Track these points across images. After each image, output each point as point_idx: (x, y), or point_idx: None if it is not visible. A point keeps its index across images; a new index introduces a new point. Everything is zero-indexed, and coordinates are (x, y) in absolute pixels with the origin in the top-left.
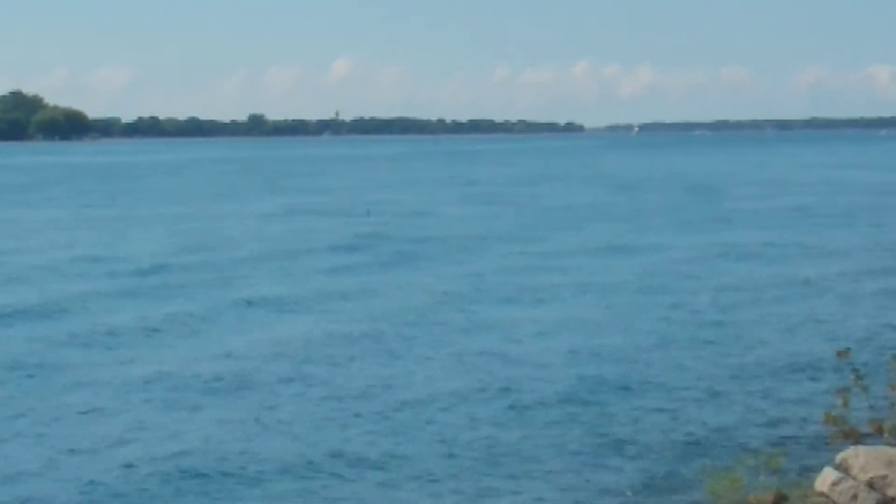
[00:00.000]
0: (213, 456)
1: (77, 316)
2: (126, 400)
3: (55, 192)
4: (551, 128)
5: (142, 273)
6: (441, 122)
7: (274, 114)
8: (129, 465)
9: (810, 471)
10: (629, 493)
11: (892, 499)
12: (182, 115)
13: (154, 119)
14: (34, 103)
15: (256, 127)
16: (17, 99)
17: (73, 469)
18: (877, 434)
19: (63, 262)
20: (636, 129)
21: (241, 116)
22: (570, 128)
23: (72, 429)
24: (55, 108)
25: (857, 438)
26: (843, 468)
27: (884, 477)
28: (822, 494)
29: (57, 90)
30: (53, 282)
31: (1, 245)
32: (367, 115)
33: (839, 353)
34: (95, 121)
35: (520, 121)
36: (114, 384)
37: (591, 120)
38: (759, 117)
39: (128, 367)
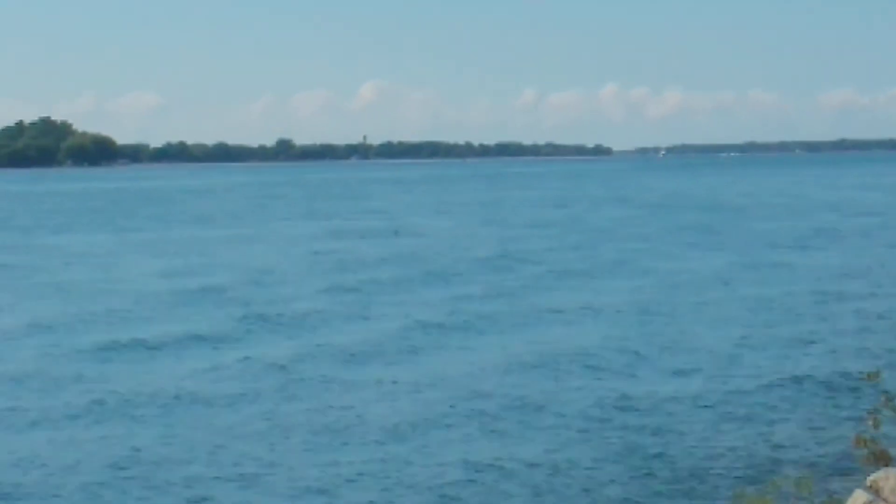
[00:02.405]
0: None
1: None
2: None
3: (111, 218)
4: (579, 150)
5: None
6: (469, 145)
7: (301, 138)
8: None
9: (841, 493)
10: None
11: None
12: (210, 140)
13: (182, 144)
14: (63, 129)
15: (284, 151)
16: (46, 125)
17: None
18: None
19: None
20: (663, 151)
21: (269, 141)
22: (599, 150)
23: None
24: (84, 134)
25: (887, 461)
26: (873, 490)
27: None
28: None
29: (85, 116)
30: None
31: (76, 269)
32: (394, 139)
33: (869, 375)
34: (124, 146)
35: (547, 143)
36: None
37: (618, 142)
38: (788, 139)
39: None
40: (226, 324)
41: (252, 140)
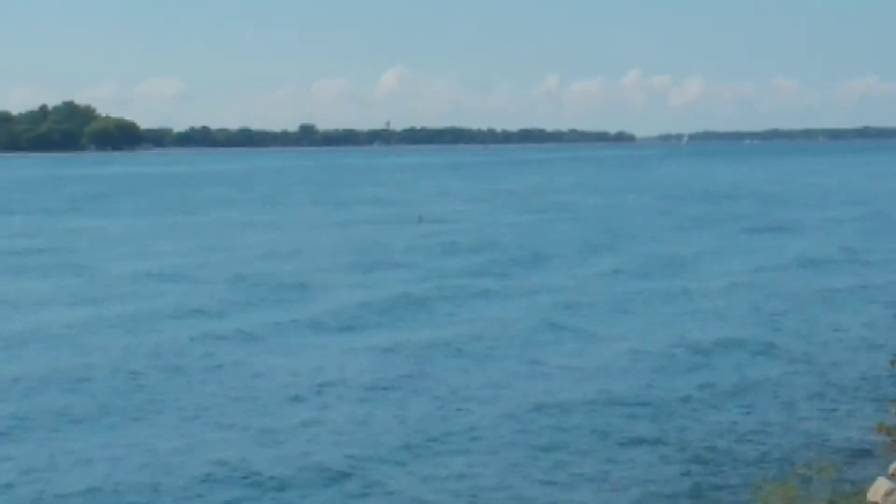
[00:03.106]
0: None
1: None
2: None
3: (156, 202)
4: (602, 137)
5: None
6: (491, 131)
7: (324, 124)
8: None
9: (863, 481)
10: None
11: None
12: (232, 125)
13: (206, 129)
14: (86, 114)
15: (307, 137)
16: (69, 110)
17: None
18: None
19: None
20: (686, 138)
21: (292, 127)
22: (621, 137)
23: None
24: (107, 118)
25: None
26: (895, 478)
27: None
28: None
29: (108, 101)
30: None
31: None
32: (416, 125)
33: (892, 362)
34: (147, 131)
35: (570, 130)
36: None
37: (641, 129)
38: (811, 127)
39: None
40: (334, 311)
41: (275, 125)
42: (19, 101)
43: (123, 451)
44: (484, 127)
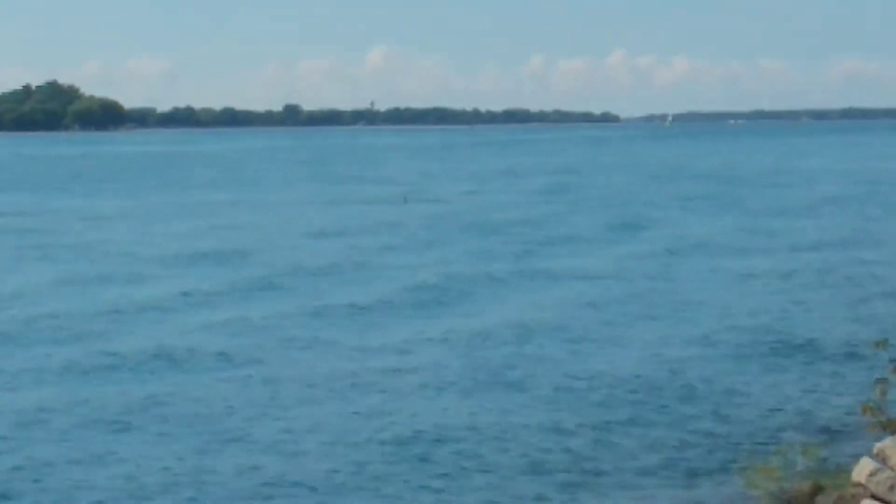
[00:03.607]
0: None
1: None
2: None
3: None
4: (586, 117)
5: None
6: (476, 111)
7: (309, 104)
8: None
9: (847, 461)
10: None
11: None
12: (217, 105)
13: (189, 109)
14: (70, 94)
15: (291, 117)
16: (52, 89)
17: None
18: None
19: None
20: (669, 118)
21: (276, 107)
22: (606, 118)
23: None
24: (91, 98)
25: (894, 429)
26: (880, 458)
27: None
28: (859, 485)
29: (92, 80)
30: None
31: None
32: (401, 105)
33: (877, 344)
34: (131, 111)
35: (555, 110)
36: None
37: (626, 110)
38: (796, 107)
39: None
40: (390, 295)
41: (259, 105)
42: (2, 80)
43: (154, 446)
44: (469, 106)
